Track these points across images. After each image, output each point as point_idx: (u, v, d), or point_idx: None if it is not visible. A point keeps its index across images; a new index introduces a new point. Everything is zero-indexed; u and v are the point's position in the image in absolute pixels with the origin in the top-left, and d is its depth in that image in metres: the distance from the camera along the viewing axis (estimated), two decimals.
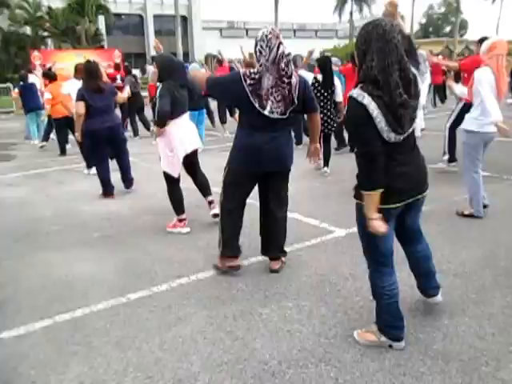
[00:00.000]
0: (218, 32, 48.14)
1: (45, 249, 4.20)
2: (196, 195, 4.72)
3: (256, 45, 3.10)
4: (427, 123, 9.13)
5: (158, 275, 3.54)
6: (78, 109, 5.56)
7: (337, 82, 6.52)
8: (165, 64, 4.20)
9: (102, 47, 31.39)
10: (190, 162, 4.44)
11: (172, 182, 4.37)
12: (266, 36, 3.06)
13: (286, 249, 3.62)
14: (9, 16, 31.13)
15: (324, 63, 6.46)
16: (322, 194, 5.54)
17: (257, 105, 3.08)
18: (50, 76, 9.04)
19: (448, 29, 60.74)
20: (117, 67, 12.24)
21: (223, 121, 10.45)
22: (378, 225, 2.24)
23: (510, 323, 2.73)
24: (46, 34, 32.56)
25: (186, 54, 36.90)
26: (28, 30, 32.03)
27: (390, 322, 2.51)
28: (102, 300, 3.20)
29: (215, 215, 4.34)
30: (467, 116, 4.34)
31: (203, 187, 4.59)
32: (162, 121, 4.08)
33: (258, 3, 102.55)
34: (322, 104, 6.22)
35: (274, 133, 3.19)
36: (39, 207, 5.54)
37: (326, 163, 6.54)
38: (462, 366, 2.39)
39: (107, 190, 5.82)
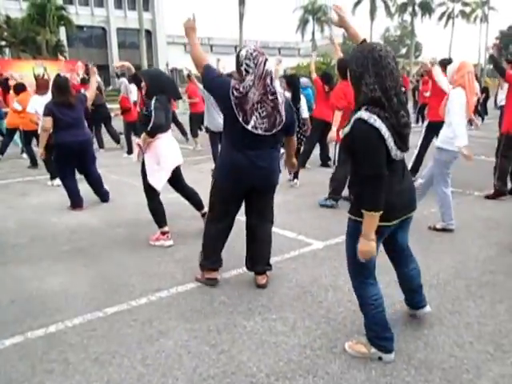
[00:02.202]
0: (183, 47, 48.19)
1: (12, 262, 4.00)
2: (172, 207, 4.65)
3: (241, 64, 3.05)
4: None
5: (136, 288, 3.44)
6: (45, 124, 5.44)
7: (302, 99, 6.71)
8: (154, 80, 4.15)
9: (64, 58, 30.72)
10: (176, 177, 4.38)
11: (152, 196, 4.28)
12: (251, 54, 3.05)
13: None
14: None
15: (293, 80, 6.61)
16: (296, 207, 5.58)
17: (240, 118, 3.02)
18: (18, 88, 8.72)
19: (404, 50, 63.57)
20: (83, 81, 12.02)
21: (195, 134, 10.49)
22: (373, 247, 2.28)
23: (486, 332, 2.82)
24: (3, 43, 31.60)
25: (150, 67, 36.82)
26: None
27: (378, 333, 2.53)
28: (77, 315, 3.08)
29: None
30: (441, 133, 4.50)
31: (195, 200, 4.58)
32: (154, 132, 4.05)
33: (222, 20, 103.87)
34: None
35: (258, 150, 3.12)
36: (3, 219, 5.29)
37: (296, 176, 6.69)
38: (445, 375, 2.44)
39: (76, 202, 5.64)
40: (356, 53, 2.23)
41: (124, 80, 10.19)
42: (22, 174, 7.86)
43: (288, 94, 6.33)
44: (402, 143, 2.23)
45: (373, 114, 2.15)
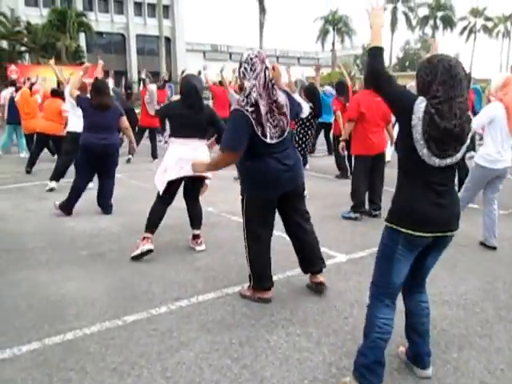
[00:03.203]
0: (202, 54, 48.62)
1: (29, 266, 3.95)
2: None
3: (240, 66, 3.05)
4: None
5: (156, 297, 3.37)
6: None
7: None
8: (181, 84, 4.32)
9: (84, 64, 31.12)
10: (188, 188, 4.31)
11: (160, 200, 4.20)
12: (251, 59, 3.02)
13: (289, 273, 3.54)
14: None
15: (313, 91, 6.47)
16: (318, 218, 5.42)
17: (259, 133, 3.00)
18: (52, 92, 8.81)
19: None
20: None
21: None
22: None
23: None
24: (23, 48, 32.10)
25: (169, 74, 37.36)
26: (4, 43, 31.46)
27: (370, 363, 2.28)
28: (95, 322, 3.01)
29: (198, 251, 4.32)
30: (480, 149, 4.53)
31: (194, 219, 4.40)
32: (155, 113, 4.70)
33: (242, 29, 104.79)
34: (306, 130, 6.18)
35: (282, 153, 3.11)
36: (20, 223, 5.26)
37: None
38: None
39: (67, 205, 5.49)
40: (425, 63, 2.20)
41: (152, 86, 10.22)
42: (39, 178, 7.85)
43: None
44: (438, 148, 2.13)
45: (424, 101, 2.13)
